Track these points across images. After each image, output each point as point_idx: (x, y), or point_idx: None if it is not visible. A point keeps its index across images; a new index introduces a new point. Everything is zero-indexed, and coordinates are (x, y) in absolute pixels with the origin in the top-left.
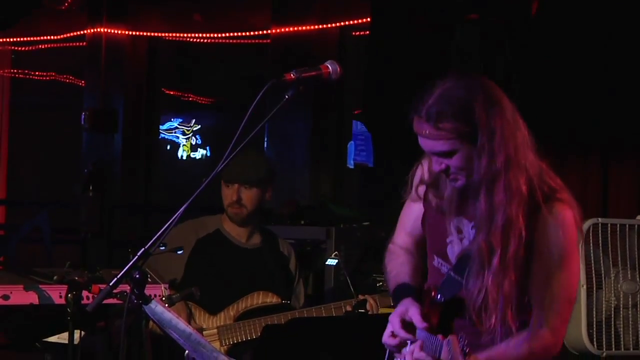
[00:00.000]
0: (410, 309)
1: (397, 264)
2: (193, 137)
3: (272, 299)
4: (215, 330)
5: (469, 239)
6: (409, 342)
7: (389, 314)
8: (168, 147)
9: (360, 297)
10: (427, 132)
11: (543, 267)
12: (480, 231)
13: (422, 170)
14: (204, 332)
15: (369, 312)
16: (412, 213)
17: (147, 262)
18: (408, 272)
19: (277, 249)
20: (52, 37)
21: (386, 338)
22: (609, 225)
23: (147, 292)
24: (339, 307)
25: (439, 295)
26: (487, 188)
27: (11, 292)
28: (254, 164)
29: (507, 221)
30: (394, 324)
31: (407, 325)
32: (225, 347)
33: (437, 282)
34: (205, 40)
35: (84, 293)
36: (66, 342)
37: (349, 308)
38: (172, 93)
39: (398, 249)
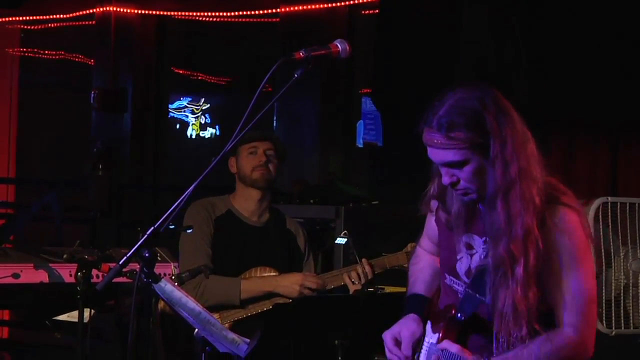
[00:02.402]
0: (402, 332)
1: (417, 269)
2: (202, 116)
3: (269, 274)
4: (217, 315)
5: (481, 254)
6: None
7: (398, 293)
8: (177, 126)
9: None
10: (438, 142)
11: (556, 273)
12: (499, 242)
13: (433, 185)
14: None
15: (359, 281)
16: (431, 222)
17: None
18: (425, 279)
19: (284, 227)
20: (61, 15)
21: (387, 355)
22: (619, 204)
23: (156, 270)
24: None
25: (459, 314)
26: (504, 198)
27: (21, 271)
28: (272, 132)
29: (526, 231)
30: (386, 342)
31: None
32: (227, 324)
33: (451, 301)
34: (215, 19)
35: (94, 272)
36: (76, 320)
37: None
38: (181, 72)
39: (422, 252)
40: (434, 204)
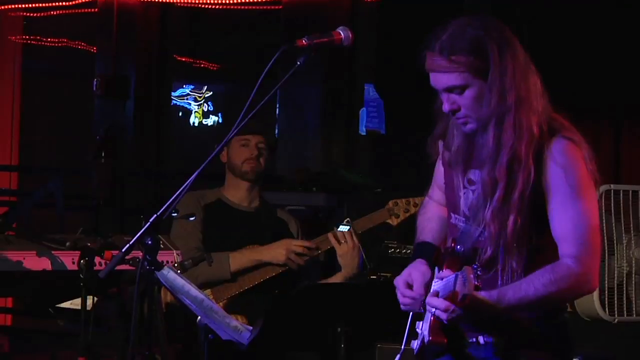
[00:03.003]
0: (412, 274)
1: (425, 219)
2: (205, 104)
3: (274, 273)
4: (209, 291)
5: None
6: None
7: None
8: (180, 114)
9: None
10: (440, 65)
11: (557, 203)
12: (485, 167)
13: (437, 125)
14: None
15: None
16: (439, 168)
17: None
18: (433, 228)
19: (274, 214)
20: (63, 3)
21: (400, 299)
22: (621, 191)
23: (159, 258)
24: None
25: (458, 246)
26: (497, 124)
27: (24, 258)
28: (270, 127)
29: (514, 158)
30: (399, 286)
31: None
32: (222, 303)
33: (456, 235)
34: (217, 7)
35: (97, 259)
36: (79, 307)
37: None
38: (184, 59)
39: (430, 202)
40: (440, 146)
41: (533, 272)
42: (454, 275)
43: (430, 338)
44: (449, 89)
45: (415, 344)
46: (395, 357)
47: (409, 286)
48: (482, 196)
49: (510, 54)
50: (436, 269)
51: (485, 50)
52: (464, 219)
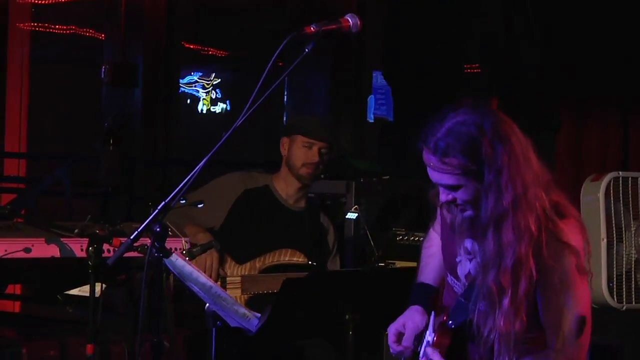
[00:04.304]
0: (407, 323)
1: (428, 254)
2: (213, 91)
3: (299, 258)
4: (239, 279)
5: (478, 260)
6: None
7: (409, 268)
8: (188, 101)
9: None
10: (434, 164)
11: (551, 294)
12: (489, 271)
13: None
14: (228, 279)
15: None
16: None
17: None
18: (435, 266)
19: (318, 219)
20: None
21: (390, 348)
22: (630, 178)
23: (167, 245)
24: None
25: (450, 322)
26: (495, 227)
27: (33, 245)
28: (336, 134)
29: (517, 261)
30: (390, 336)
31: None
32: (246, 296)
33: (450, 301)
34: None
35: (105, 246)
36: (87, 294)
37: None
38: (192, 47)
39: (434, 236)
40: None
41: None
42: None
43: None
44: (444, 186)
45: None
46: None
47: (400, 335)
48: (488, 301)
49: (505, 152)
50: (432, 316)
51: (479, 151)
52: (460, 284)
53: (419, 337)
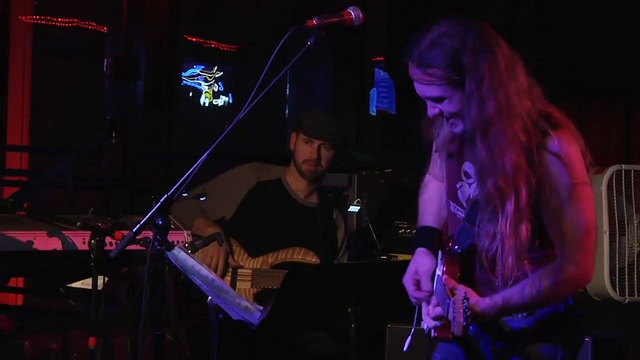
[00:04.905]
0: (419, 268)
1: (426, 198)
2: (215, 84)
3: (312, 259)
4: (250, 271)
5: (477, 183)
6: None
7: (410, 261)
8: (190, 94)
9: None
10: (418, 77)
11: (553, 205)
12: (487, 177)
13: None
14: (239, 270)
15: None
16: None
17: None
18: (433, 209)
19: (330, 214)
20: None
21: (411, 299)
22: (632, 171)
23: (170, 238)
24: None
25: (455, 246)
26: (482, 135)
27: (35, 238)
28: (338, 126)
29: (514, 167)
30: (408, 287)
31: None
32: (255, 289)
33: (455, 230)
34: None
35: (107, 239)
36: (90, 287)
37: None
38: (194, 39)
39: (430, 180)
40: (435, 129)
41: (533, 275)
42: (447, 300)
43: (436, 335)
44: (429, 99)
45: (425, 325)
46: (406, 338)
47: (417, 283)
48: (490, 207)
49: (487, 62)
50: (440, 254)
51: (461, 62)
52: (463, 210)
53: (433, 277)
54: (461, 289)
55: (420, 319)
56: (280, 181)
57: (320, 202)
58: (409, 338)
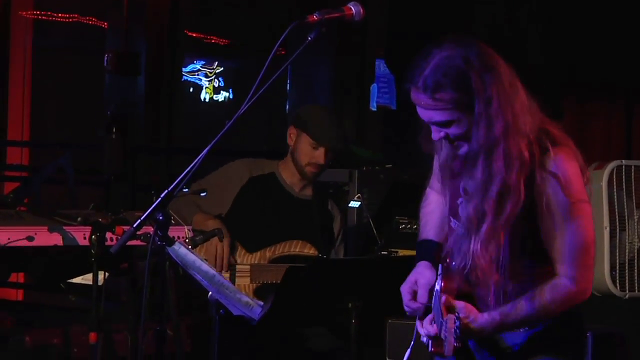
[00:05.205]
0: (419, 280)
1: (427, 212)
2: (216, 80)
3: (309, 250)
4: (248, 267)
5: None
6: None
7: (411, 256)
8: (191, 90)
9: None
10: (425, 103)
11: (551, 223)
12: (472, 199)
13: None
14: (237, 267)
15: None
16: (437, 161)
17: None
18: (435, 222)
19: (326, 206)
20: None
21: (405, 308)
22: (633, 167)
23: (170, 233)
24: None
25: (453, 263)
26: (486, 156)
27: (36, 234)
28: (342, 127)
29: (504, 188)
30: (404, 296)
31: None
32: (254, 284)
33: (454, 246)
34: None
35: (108, 234)
36: (90, 283)
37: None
38: (194, 35)
39: (432, 194)
40: (435, 145)
41: (531, 291)
42: (440, 320)
43: (433, 349)
44: (436, 124)
45: (425, 339)
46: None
47: (414, 294)
48: (465, 227)
49: (493, 81)
50: (440, 268)
51: (469, 83)
52: (462, 226)
53: (432, 292)
54: (460, 306)
55: (420, 334)
56: (274, 175)
57: (315, 194)
58: (408, 351)
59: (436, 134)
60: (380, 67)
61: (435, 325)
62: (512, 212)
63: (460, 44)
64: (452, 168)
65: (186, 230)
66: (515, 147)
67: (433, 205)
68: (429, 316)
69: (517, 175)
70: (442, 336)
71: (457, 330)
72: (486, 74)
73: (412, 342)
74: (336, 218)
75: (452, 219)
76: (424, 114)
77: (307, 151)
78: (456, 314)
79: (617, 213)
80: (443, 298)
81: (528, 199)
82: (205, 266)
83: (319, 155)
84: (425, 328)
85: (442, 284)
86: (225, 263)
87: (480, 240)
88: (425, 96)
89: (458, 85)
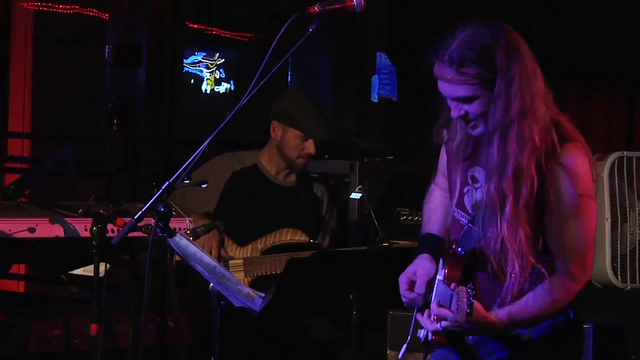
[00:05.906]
0: (418, 271)
1: (430, 208)
2: (217, 71)
3: (300, 237)
4: (241, 261)
5: (484, 187)
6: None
7: (412, 247)
8: (192, 81)
9: None
10: (450, 76)
11: (556, 217)
12: (492, 179)
13: (442, 114)
14: (230, 262)
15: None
16: (443, 156)
17: (176, 194)
18: (438, 218)
19: (311, 190)
20: None
21: (402, 298)
22: (634, 158)
23: (171, 225)
24: None
25: (459, 249)
26: (501, 136)
27: (37, 225)
28: (328, 118)
29: (518, 170)
30: (401, 286)
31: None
32: (249, 278)
33: (458, 235)
34: None
35: (109, 226)
36: (91, 274)
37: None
38: (196, 26)
39: (436, 190)
40: (445, 134)
41: (534, 292)
42: (450, 293)
43: (433, 338)
44: (458, 99)
45: (421, 333)
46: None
47: (412, 284)
48: (490, 208)
49: (517, 61)
50: (440, 262)
51: (494, 60)
52: (467, 216)
53: (431, 284)
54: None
55: (416, 328)
56: (256, 166)
57: (299, 180)
58: (405, 346)
59: (455, 111)
60: (382, 58)
61: (443, 309)
62: (528, 196)
63: (488, 22)
64: (465, 153)
65: (187, 221)
66: (528, 129)
67: (437, 201)
68: (434, 303)
69: (528, 159)
70: (453, 308)
71: (471, 298)
72: (512, 53)
73: (409, 339)
74: (323, 202)
75: (456, 210)
76: (447, 88)
77: (297, 144)
78: (469, 287)
79: (618, 204)
80: (452, 285)
81: (540, 188)
82: (206, 258)
83: (309, 145)
84: (434, 312)
85: (446, 271)
86: (214, 255)
87: (507, 222)
88: (451, 69)
89: (484, 61)
